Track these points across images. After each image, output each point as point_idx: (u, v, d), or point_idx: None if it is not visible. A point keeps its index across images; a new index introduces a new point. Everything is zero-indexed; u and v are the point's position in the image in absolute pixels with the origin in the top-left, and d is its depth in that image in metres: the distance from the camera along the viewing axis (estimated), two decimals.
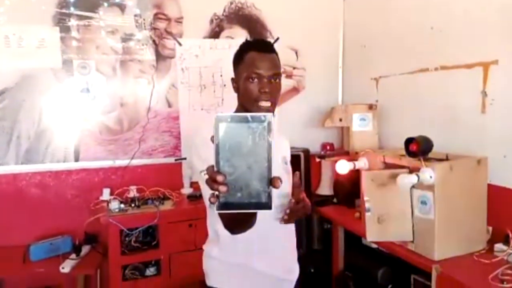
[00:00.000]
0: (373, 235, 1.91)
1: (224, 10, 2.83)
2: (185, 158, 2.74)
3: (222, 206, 0.67)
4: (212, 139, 0.66)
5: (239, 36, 2.82)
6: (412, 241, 1.83)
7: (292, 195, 1.26)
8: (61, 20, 2.50)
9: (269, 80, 1.29)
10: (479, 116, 2.00)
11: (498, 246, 1.77)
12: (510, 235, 1.75)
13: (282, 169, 1.48)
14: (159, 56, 2.72)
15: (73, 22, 2.52)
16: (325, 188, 2.91)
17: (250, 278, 1.39)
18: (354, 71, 3.06)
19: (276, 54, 1.36)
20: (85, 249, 2.40)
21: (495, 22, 1.90)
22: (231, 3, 2.84)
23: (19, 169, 2.51)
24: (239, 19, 2.87)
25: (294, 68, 3.02)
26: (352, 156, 2.55)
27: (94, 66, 2.59)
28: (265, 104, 1.29)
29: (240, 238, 1.14)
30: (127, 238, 2.31)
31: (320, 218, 2.74)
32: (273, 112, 1.36)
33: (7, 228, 2.48)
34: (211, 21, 2.80)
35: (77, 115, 2.58)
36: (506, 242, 1.76)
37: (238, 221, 1.05)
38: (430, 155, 1.83)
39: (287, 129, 2.94)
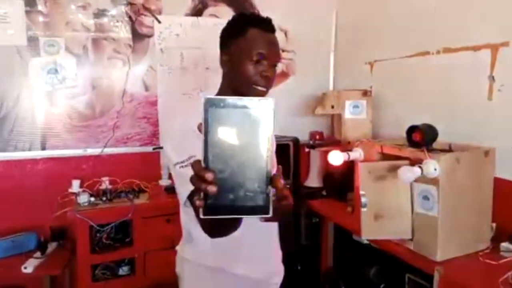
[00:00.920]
0: (369, 232, 1.74)
1: None
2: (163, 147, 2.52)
3: (210, 210, 0.58)
4: (199, 127, 0.56)
5: (224, 14, 2.59)
6: (411, 239, 1.67)
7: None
8: None
9: (271, 65, 1.16)
10: (485, 103, 1.83)
11: (505, 245, 1.63)
12: None
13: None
14: (136, 35, 2.48)
15: None
16: (314, 180, 2.73)
17: (227, 283, 1.27)
18: (347, 55, 2.86)
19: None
20: (52, 246, 2.18)
21: None
22: None
23: None
24: None
25: (283, 50, 2.79)
26: (344, 146, 2.38)
27: (63, 45, 2.34)
28: (262, 89, 1.16)
29: (216, 239, 1.01)
30: (98, 235, 2.11)
31: (308, 212, 2.56)
32: None
33: None
34: None
35: (44, 98, 2.34)
36: None
37: (222, 225, 0.91)
38: (433, 145, 1.66)
39: (275, 117, 2.79)
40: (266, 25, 1.18)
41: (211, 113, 0.55)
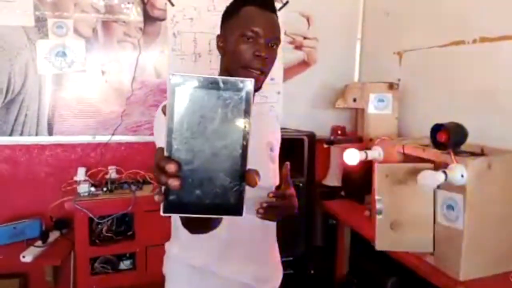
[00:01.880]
0: (383, 243, 1.56)
1: None
2: None
3: (171, 207, 0.51)
4: (164, 109, 0.50)
5: None
6: (432, 253, 1.48)
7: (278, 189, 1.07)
8: None
9: (266, 44, 1.06)
10: None
11: None
12: None
13: (266, 157, 1.19)
14: (148, 18, 2.35)
15: None
16: (333, 179, 2.54)
17: (213, 284, 1.14)
18: (375, 43, 2.64)
19: (277, 16, 1.12)
20: (53, 235, 2.11)
21: None
22: None
23: None
24: None
25: (304, 38, 2.62)
26: (365, 143, 2.19)
27: (72, 27, 2.24)
28: (256, 72, 1.05)
29: (203, 236, 0.89)
30: (99, 226, 2.02)
31: (324, 212, 2.39)
32: (261, 86, 1.11)
33: None
34: None
35: (52, 82, 2.26)
36: None
37: (198, 221, 0.77)
38: (462, 147, 1.45)
39: (293, 109, 2.63)
40: (264, 3, 1.08)
41: (178, 94, 0.49)
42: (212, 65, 2.42)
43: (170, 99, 0.49)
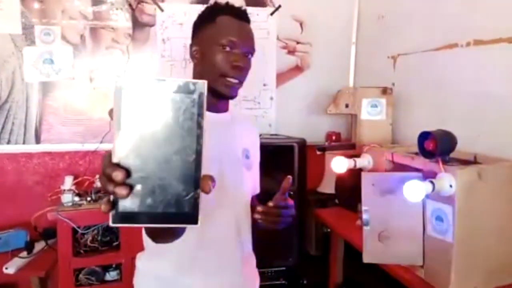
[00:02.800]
0: (371, 255, 1.49)
1: None
2: None
3: (121, 217, 0.49)
4: (110, 113, 0.50)
5: (232, 2, 2.37)
6: (422, 266, 1.41)
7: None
8: None
9: (243, 54, 1.08)
10: None
11: None
12: None
13: (240, 163, 1.16)
14: (136, 24, 2.32)
15: None
16: (327, 186, 2.47)
17: None
18: (370, 48, 2.57)
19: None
20: (39, 246, 2.07)
21: None
22: None
23: None
24: None
25: (297, 42, 2.57)
26: (359, 150, 2.11)
27: (60, 34, 2.21)
28: (234, 81, 1.07)
29: (171, 245, 0.86)
30: (85, 236, 1.97)
31: (318, 220, 2.33)
32: (237, 94, 1.11)
33: None
34: None
35: (39, 89, 2.23)
36: None
37: (158, 230, 0.80)
38: (453, 154, 1.38)
39: (286, 115, 2.57)
40: (239, 13, 1.11)
41: (125, 98, 0.46)
42: None
43: (116, 102, 0.47)
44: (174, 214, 0.49)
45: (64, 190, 2.00)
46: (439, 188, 1.24)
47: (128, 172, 0.47)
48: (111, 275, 2.02)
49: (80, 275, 1.96)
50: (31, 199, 2.22)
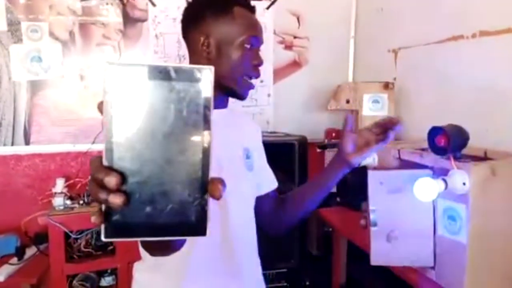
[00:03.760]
0: (379, 256, 1.42)
1: None
2: None
3: (115, 230, 0.41)
4: (100, 106, 0.40)
5: None
6: (433, 268, 1.35)
7: None
8: None
9: (259, 50, 1.03)
10: None
11: None
12: None
13: (242, 164, 1.09)
14: (128, 19, 2.23)
15: None
16: None
17: None
18: (369, 41, 2.50)
19: None
20: (30, 251, 1.98)
21: None
22: None
23: None
24: None
25: (295, 37, 2.49)
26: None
27: (47, 30, 2.12)
28: (254, 81, 1.03)
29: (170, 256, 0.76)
30: (78, 241, 1.89)
31: (320, 219, 2.26)
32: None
33: None
34: None
35: (28, 89, 2.13)
36: None
37: (156, 243, 0.68)
38: (463, 151, 1.32)
39: (284, 112, 2.50)
40: (250, 4, 1.04)
41: (118, 87, 0.39)
42: None
43: (107, 93, 0.39)
44: (178, 224, 0.42)
45: (56, 193, 1.92)
46: (452, 186, 1.18)
47: (123, 177, 0.40)
48: (107, 281, 1.95)
49: (74, 281, 1.89)
50: (21, 203, 2.14)
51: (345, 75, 2.61)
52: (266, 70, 2.42)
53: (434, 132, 1.27)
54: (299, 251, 2.13)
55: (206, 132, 0.41)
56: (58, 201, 1.83)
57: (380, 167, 1.56)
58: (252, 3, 1.06)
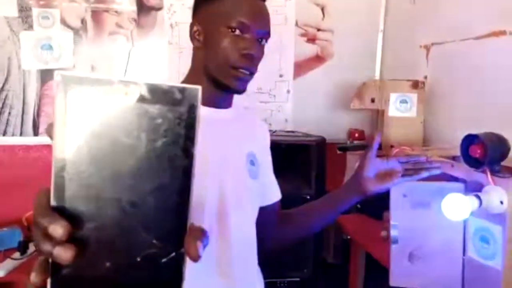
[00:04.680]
0: (399, 277, 1.27)
1: None
2: None
3: (65, 287, 0.34)
4: (49, 130, 0.34)
5: None
6: None
7: None
8: None
9: (255, 39, 0.88)
10: None
11: None
12: None
13: (244, 172, 0.96)
14: (142, 7, 2.13)
15: None
16: None
17: None
18: (399, 36, 2.33)
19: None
20: (33, 246, 1.92)
21: None
22: None
23: None
24: None
25: (318, 29, 2.34)
26: (386, 150, 1.90)
27: (59, 17, 2.05)
28: (245, 72, 0.88)
29: None
30: None
31: (338, 226, 2.13)
32: (246, 88, 0.91)
33: None
34: None
35: (37, 78, 2.07)
36: None
37: None
38: (502, 163, 1.16)
39: (305, 110, 2.36)
40: None
41: (74, 106, 0.32)
42: None
43: (59, 114, 0.32)
44: (145, 284, 0.34)
45: None
46: (487, 204, 1.02)
47: (74, 220, 0.33)
48: None
49: None
50: (28, 195, 2.05)
51: (371, 72, 2.44)
52: (286, 65, 2.29)
53: (469, 140, 1.11)
54: (313, 259, 1.99)
55: (187, 170, 0.33)
56: None
57: None
58: None
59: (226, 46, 0.85)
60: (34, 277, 0.34)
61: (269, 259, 1.09)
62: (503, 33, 1.57)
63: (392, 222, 1.25)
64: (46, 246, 0.33)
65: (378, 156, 1.16)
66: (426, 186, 1.22)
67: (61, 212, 0.33)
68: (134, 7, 2.11)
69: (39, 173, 2.13)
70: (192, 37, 0.92)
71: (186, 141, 0.33)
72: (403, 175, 0.96)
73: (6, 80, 2.03)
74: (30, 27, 2.02)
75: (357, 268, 1.97)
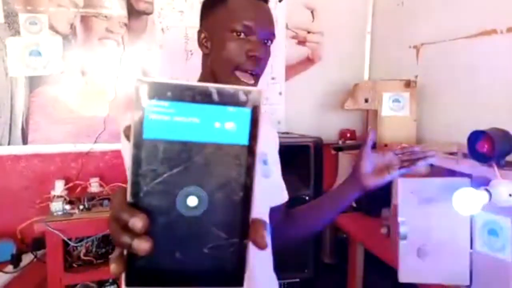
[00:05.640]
0: (409, 273, 1.29)
1: None
2: None
3: (139, 278, 0.36)
4: (126, 132, 0.35)
5: None
6: (469, 286, 1.22)
7: None
8: None
9: (260, 41, 0.90)
10: None
11: None
12: None
13: (259, 171, 0.94)
14: (132, 12, 2.09)
15: None
16: None
17: None
18: (387, 37, 2.37)
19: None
20: (27, 258, 1.86)
21: None
22: None
23: None
24: None
25: (308, 32, 2.37)
26: (379, 149, 1.92)
27: (47, 22, 1.99)
28: (248, 78, 0.89)
29: None
30: (78, 248, 1.77)
31: (333, 225, 2.14)
32: None
33: None
34: None
35: (25, 85, 2.01)
36: None
37: None
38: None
39: (296, 111, 2.38)
40: None
41: (150, 110, 0.34)
42: None
43: (137, 117, 0.34)
44: (211, 273, 0.37)
45: (55, 196, 1.79)
46: (496, 198, 1.05)
47: (148, 215, 0.35)
48: None
49: None
50: (18, 207, 2.01)
51: (360, 72, 2.48)
52: (278, 67, 2.30)
53: (475, 136, 1.14)
54: (313, 260, 2.01)
55: (250, 166, 0.36)
56: (57, 206, 1.70)
57: (408, 174, 1.43)
58: None
59: (231, 49, 0.87)
60: (114, 268, 0.36)
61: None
62: (494, 31, 1.62)
63: (400, 219, 1.27)
64: (126, 239, 0.35)
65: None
66: (433, 182, 1.25)
67: (137, 208, 0.35)
68: (124, 12, 2.07)
69: (28, 183, 2.07)
70: (201, 44, 0.95)
71: (250, 139, 0.36)
72: (400, 167, 0.96)
73: None
74: (17, 33, 1.96)
75: (355, 267, 1.98)
